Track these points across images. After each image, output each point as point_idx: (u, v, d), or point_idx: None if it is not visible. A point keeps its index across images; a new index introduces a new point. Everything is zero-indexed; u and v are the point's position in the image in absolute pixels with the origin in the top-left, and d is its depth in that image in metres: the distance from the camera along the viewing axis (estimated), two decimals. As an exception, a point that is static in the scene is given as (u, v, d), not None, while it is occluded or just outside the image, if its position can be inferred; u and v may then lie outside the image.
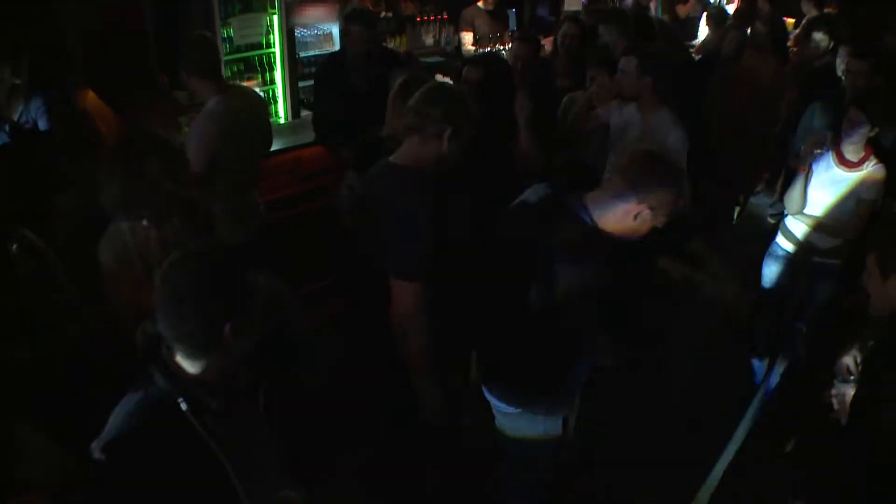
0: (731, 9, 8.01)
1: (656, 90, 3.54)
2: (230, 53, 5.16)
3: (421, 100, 2.43)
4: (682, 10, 7.18)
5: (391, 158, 2.53)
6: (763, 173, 5.45)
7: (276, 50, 5.38)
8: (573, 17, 4.89)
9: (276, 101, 5.53)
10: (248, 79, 5.40)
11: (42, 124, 3.60)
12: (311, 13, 5.38)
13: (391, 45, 6.13)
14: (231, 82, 3.36)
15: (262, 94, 5.49)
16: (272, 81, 5.49)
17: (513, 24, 6.55)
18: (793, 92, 5.01)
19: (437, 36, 6.34)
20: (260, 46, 5.34)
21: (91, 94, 4.20)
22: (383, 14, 5.86)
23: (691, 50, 6.37)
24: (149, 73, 4.65)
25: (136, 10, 4.68)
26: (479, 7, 5.43)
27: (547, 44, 4.87)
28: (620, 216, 2.15)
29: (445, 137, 2.37)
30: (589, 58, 4.20)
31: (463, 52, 5.57)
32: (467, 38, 5.48)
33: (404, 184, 2.43)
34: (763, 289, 4.01)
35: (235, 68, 5.30)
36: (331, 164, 4.45)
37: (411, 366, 2.46)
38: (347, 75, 3.91)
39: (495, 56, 3.55)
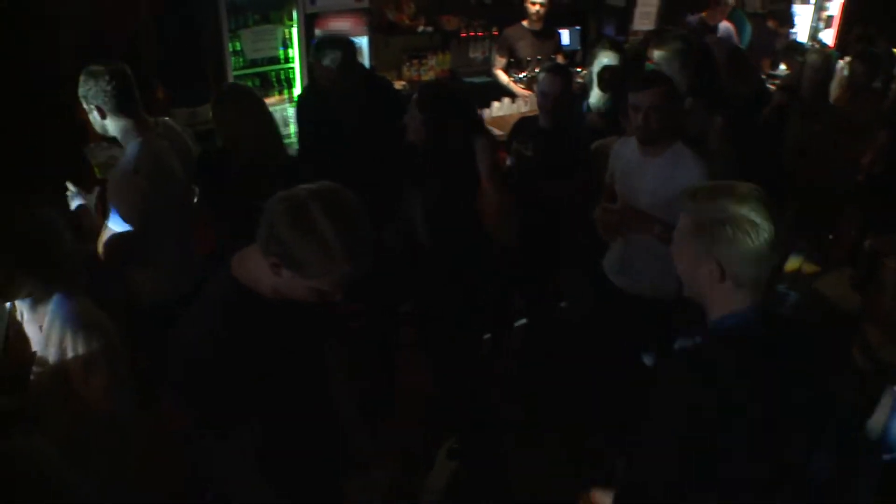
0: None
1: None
2: (242, 68, 4.72)
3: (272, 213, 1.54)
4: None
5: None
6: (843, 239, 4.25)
7: (296, 65, 4.89)
8: (612, 43, 4.08)
9: (296, 122, 5.03)
10: (266, 96, 4.95)
11: None
12: (336, 25, 4.83)
13: (433, 62, 5.52)
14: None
15: (283, 111, 5.05)
16: (292, 99, 5.00)
17: (576, 44, 5.77)
18: (882, 136, 3.94)
19: (487, 53, 5.64)
20: (278, 61, 4.86)
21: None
22: (422, 28, 5.24)
23: (776, 83, 5.30)
24: (145, 88, 4.23)
25: (133, 21, 4.28)
26: (523, 26, 4.66)
27: None
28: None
29: (285, 271, 1.56)
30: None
31: (495, 77, 4.84)
32: (499, 62, 4.72)
33: (203, 303, 1.72)
34: None
35: (250, 84, 4.84)
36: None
37: None
38: (330, 108, 3.31)
39: None
